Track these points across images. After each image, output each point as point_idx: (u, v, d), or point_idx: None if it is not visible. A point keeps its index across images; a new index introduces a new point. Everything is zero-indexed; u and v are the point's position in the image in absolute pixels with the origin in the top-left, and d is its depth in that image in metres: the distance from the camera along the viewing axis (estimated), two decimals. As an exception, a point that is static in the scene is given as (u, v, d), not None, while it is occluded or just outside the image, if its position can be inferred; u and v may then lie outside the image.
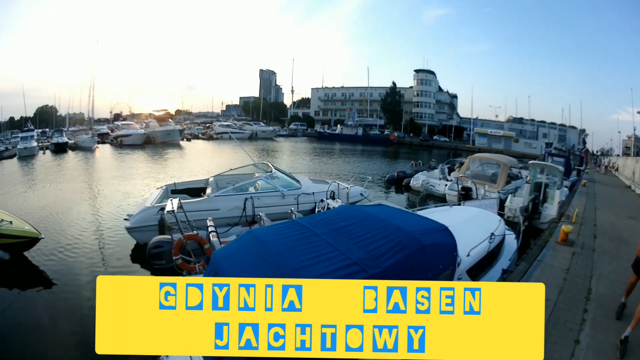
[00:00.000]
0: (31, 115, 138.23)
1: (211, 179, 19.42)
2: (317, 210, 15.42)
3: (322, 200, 15.72)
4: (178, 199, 12.06)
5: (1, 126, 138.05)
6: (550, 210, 16.63)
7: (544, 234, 13.30)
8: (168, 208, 11.10)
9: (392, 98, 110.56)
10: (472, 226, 10.04)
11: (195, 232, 12.27)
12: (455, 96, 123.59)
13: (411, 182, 26.44)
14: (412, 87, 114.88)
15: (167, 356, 5.85)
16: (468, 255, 7.93)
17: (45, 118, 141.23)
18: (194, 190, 18.94)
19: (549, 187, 17.51)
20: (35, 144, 68.88)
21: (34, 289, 13.53)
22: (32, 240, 15.07)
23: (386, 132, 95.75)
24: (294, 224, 7.64)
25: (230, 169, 21.17)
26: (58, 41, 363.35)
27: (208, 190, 17.35)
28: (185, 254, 11.39)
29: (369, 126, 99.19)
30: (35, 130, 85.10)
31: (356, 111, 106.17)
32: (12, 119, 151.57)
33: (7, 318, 11.75)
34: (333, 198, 15.76)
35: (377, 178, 32.40)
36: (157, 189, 18.87)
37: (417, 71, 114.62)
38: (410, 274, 5.94)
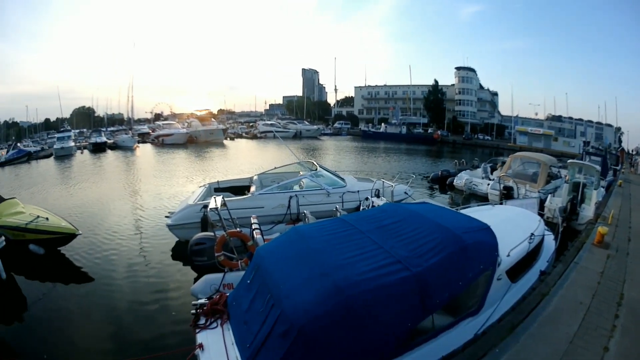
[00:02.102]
0: (67, 116, 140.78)
1: (255, 177, 19.63)
2: (361, 208, 15.28)
3: (366, 199, 15.58)
4: (222, 196, 12.13)
5: (37, 127, 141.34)
6: (588, 211, 16.29)
7: (581, 235, 13.10)
8: (211, 205, 11.19)
9: (434, 96, 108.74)
10: (513, 226, 9.81)
11: (238, 229, 12.31)
12: (495, 94, 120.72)
13: (455, 181, 26.28)
14: (453, 84, 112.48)
15: (202, 350, 6.34)
16: (508, 255, 7.69)
17: (83, 119, 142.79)
18: (238, 189, 19.04)
19: (586, 188, 17.18)
20: (72, 143, 71.61)
21: (70, 283, 14.08)
22: (68, 236, 15.62)
23: (429, 130, 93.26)
24: (338, 221, 7.81)
25: (275, 167, 21.17)
26: (93, 44, 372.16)
27: (252, 189, 17.46)
28: (228, 251, 11.56)
29: (413, 124, 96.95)
30: (73, 131, 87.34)
31: (399, 109, 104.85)
32: (47, 120, 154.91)
33: (40, 308, 12.34)
34: (378, 196, 15.63)
35: (421, 177, 32.13)
36: (200, 187, 19.20)
37: (458, 69, 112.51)
38: (452, 273, 6.20)
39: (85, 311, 11.93)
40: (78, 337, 10.60)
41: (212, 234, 12.40)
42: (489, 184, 22.89)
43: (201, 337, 6.65)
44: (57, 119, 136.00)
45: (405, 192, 17.75)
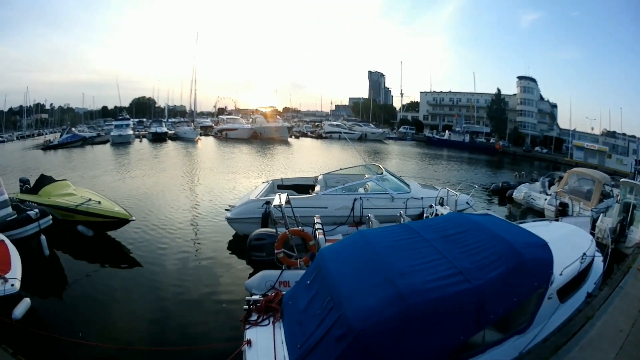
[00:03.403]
0: (126, 105, 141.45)
1: (320, 177, 19.53)
2: (425, 215, 14.78)
3: (430, 206, 15.06)
4: (286, 193, 12.13)
5: (93, 114, 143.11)
6: (635, 234, 15.30)
7: (628, 259, 12.49)
8: (275, 202, 11.16)
9: (497, 105, 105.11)
10: (566, 244, 9.40)
11: (300, 227, 12.17)
12: (555, 106, 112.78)
13: (514, 193, 25.55)
14: (515, 94, 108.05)
15: (250, 346, 6.36)
16: (561, 274, 7.45)
17: (142, 109, 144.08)
18: (301, 187, 18.95)
19: (636, 209, 16.19)
20: (131, 132, 73.97)
21: (117, 266, 14.41)
22: (121, 221, 16.07)
23: (491, 140, 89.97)
24: (404, 228, 7.71)
25: (340, 168, 21.13)
26: (156, 37, 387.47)
27: (317, 188, 17.27)
28: (288, 249, 11.35)
29: (475, 133, 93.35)
30: (132, 120, 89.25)
31: (463, 117, 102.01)
32: (105, 108, 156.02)
33: (81, 287, 12.61)
34: (441, 204, 15.12)
35: (482, 187, 31.48)
36: (263, 183, 19.31)
37: (520, 78, 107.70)
38: (509, 288, 6.06)
39: (129, 295, 12.16)
40: (117, 320, 10.78)
41: (274, 230, 12.21)
42: (546, 199, 22.06)
43: (250, 333, 6.77)
44: (115, 107, 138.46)
45: (467, 202, 16.98)
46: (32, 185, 19.25)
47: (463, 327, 5.67)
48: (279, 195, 11.57)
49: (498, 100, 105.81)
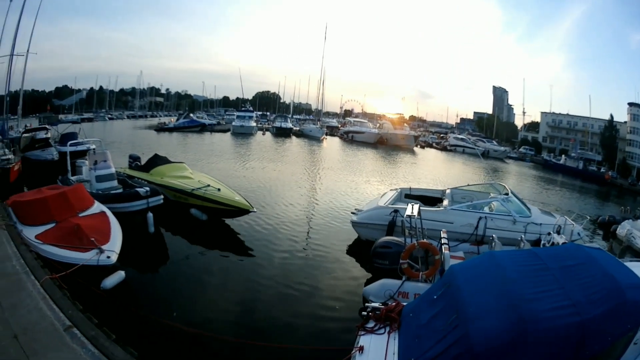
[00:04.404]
0: (249, 97, 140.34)
1: (448, 191, 18.71)
2: (542, 242, 13.52)
3: (549, 234, 13.63)
4: (419, 205, 12.08)
5: (213, 103, 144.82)
6: None
7: None
8: (408, 212, 11.04)
9: (609, 133, 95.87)
10: None
11: (428, 240, 11.57)
12: None
13: (618, 229, 23.11)
14: (625, 122, 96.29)
15: (361, 353, 6.28)
16: None
17: (266, 102, 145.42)
18: (428, 199, 18.38)
19: None
20: (253, 124, 75.00)
21: (227, 252, 14.14)
22: (240, 211, 15.65)
23: (602, 169, 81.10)
24: (531, 254, 7.16)
25: (468, 184, 20.47)
26: (284, 34, 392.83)
27: (445, 202, 16.62)
28: (412, 260, 10.92)
29: (588, 161, 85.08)
30: (255, 112, 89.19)
31: (579, 143, 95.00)
32: (226, 98, 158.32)
33: (181, 267, 12.60)
34: (558, 233, 13.75)
35: (590, 219, 26.58)
36: (391, 190, 18.93)
37: (630, 104, 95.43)
38: (607, 326, 5.50)
39: (235, 283, 11.91)
40: (217, 306, 10.59)
41: (402, 239, 11.99)
42: (644, 238, 19.66)
43: (364, 340, 6.65)
44: (238, 98, 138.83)
45: (578, 233, 15.41)
46: (143, 163, 19.74)
47: None
48: (412, 205, 11.68)
49: (610, 127, 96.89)
